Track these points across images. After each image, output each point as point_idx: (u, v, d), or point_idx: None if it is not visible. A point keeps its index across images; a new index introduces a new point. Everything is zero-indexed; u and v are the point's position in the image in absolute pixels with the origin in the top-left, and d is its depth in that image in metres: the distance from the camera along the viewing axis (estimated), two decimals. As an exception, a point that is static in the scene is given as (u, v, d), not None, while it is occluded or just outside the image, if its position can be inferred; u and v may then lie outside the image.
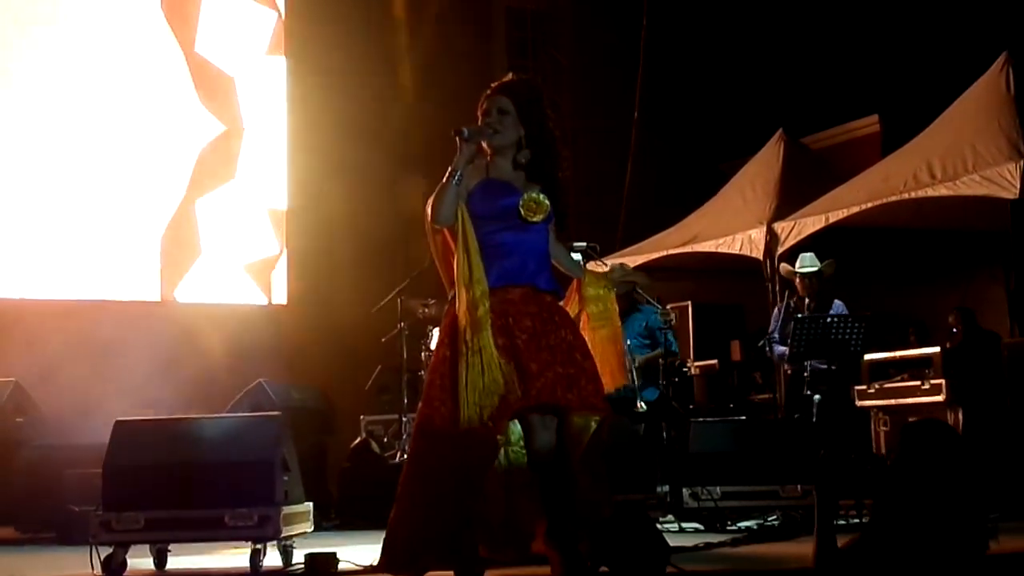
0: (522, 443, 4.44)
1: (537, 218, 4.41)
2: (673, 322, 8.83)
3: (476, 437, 4.21)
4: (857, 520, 3.71)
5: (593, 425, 4.38)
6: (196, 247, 11.69)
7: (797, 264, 8.79)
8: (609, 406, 4.46)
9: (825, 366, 8.02)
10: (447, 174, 4.34)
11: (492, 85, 4.55)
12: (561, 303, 4.58)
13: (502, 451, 4.46)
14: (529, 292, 4.39)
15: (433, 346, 9.38)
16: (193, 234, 11.67)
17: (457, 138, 4.34)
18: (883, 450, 8.83)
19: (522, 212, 4.39)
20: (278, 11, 12.46)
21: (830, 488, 3.92)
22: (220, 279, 11.75)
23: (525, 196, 4.40)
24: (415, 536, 4.26)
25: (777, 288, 10.22)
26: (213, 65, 12.03)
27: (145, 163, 11.51)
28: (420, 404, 4.43)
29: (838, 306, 8.55)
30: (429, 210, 4.37)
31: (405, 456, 8.79)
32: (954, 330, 10.28)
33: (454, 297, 4.36)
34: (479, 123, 4.47)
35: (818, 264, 8.68)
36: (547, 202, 4.42)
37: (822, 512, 3.87)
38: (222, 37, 12.15)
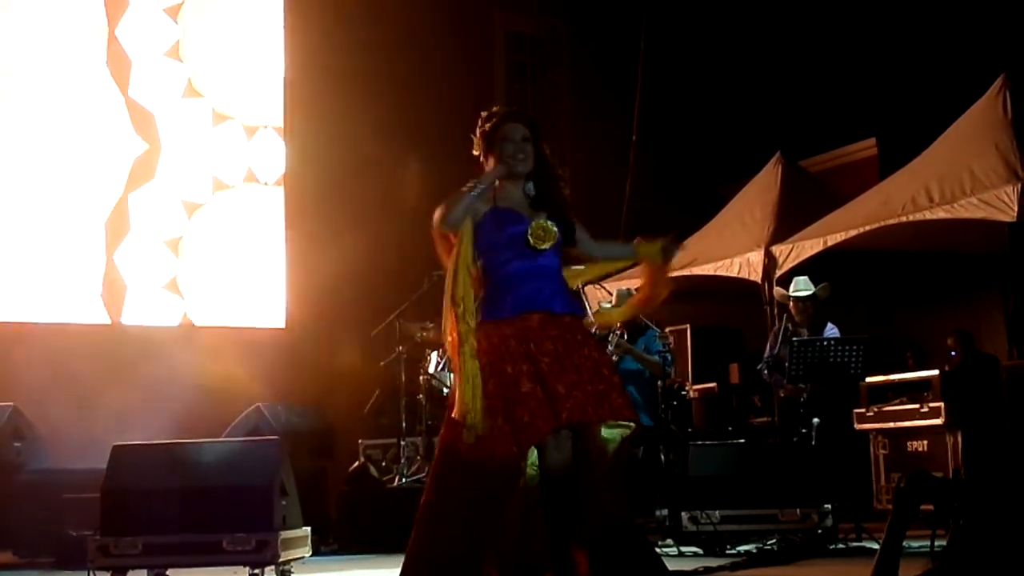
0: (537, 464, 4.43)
1: (546, 245, 4.43)
2: (671, 345, 8.84)
3: (500, 463, 4.20)
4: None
5: (620, 439, 4.40)
6: (200, 271, 11.64)
7: (791, 288, 8.77)
8: (639, 418, 4.48)
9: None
10: (469, 184, 4.38)
11: (501, 112, 4.56)
12: (584, 321, 4.58)
13: None
14: (547, 317, 4.39)
15: (431, 370, 9.41)
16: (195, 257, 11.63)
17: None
18: (881, 474, 8.82)
19: (531, 240, 4.41)
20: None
21: (908, 511, 3.79)
22: (219, 303, 11.72)
23: (533, 224, 4.42)
24: (430, 559, 4.25)
25: (775, 311, 10.21)
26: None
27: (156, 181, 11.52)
28: (443, 428, 4.43)
29: (831, 329, 8.54)
30: (438, 213, 4.38)
31: (405, 480, 8.88)
32: (953, 353, 10.30)
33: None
34: (496, 147, 4.46)
35: (812, 288, 8.66)
36: (555, 229, 4.44)
37: (891, 534, 3.77)
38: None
